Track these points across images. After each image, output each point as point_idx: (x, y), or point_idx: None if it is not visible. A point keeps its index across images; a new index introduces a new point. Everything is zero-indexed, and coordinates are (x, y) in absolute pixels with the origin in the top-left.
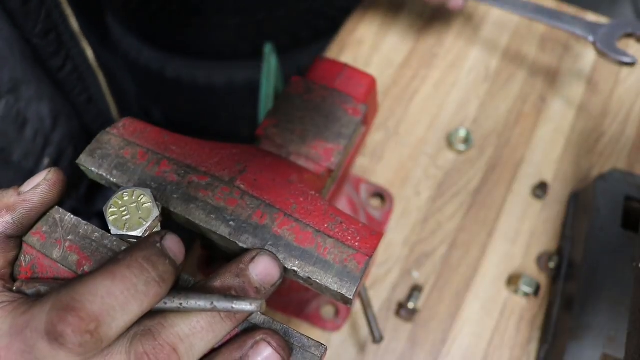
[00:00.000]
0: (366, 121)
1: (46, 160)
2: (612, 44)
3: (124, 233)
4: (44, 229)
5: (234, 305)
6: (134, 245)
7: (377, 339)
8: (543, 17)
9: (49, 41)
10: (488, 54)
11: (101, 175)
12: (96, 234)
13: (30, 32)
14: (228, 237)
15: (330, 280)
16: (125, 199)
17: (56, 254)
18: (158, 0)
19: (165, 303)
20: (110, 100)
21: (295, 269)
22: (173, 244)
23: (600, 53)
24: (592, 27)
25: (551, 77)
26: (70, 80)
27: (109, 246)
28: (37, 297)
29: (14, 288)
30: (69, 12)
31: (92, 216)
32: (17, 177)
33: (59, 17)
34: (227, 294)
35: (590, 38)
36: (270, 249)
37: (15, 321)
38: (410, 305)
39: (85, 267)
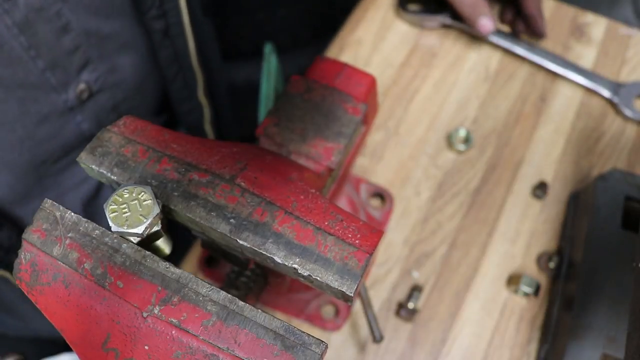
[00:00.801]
0: (366, 121)
1: (81, 86)
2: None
3: (125, 230)
4: (44, 227)
5: None
6: None
7: (377, 338)
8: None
9: None
10: (488, 54)
11: (102, 172)
12: (97, 231)
13: None
14: (228, 235)
15: (330, 277)
16: (125, 196)
17: (56, 251)
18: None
19: None
20: (191, 41)
21: (296, 266)
22: None
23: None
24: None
25: (551, 77)
26: (155, 22)
27: (109, 244)
28: None
29: None
30: None
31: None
32: (35, 85)
33: None
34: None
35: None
36: (270, 247)
37: None
38: (410, 305)
39: (85, 264)
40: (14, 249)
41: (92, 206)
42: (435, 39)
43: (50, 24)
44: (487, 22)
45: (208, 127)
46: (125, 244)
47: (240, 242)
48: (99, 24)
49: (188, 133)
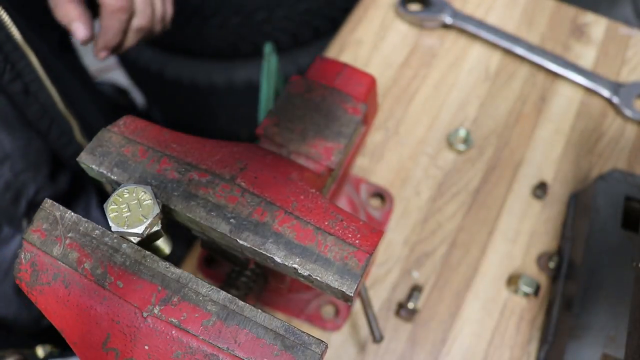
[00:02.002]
0: (366, 121)
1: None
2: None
3: (125, 230)
4: (44, 227)
5: None
6: None
7: (377, 338)
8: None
9: None
10: (488, 54)
11: (102, 172)
12: (97, 231)
13: None
14: (228, 235)
15: (331, 277)
16: (125, 196)
17: (56, 251)
18: None
19: None
20: (54, 92)
21: (296, 266)
22: None
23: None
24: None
25: (551, 77)
26: (13, 89)
27: (109, 243)
28: None
29: None
30: None
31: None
32: None
33: None
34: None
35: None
36: (270, 247)
37: None
38: (410, 305)
39: (85, 264)
40: None
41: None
42: (435, 39)
43: None
44: (78, 27)
45: None
46: (125, 244)
47: (240, 242)
48: None
49: (73, 177)
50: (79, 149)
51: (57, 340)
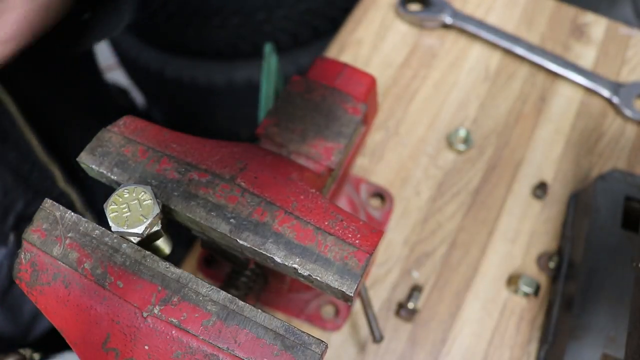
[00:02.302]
0: (366, 121)
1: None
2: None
3: (125, 230)
4: (44, 227)
5: None
6: None
7: (377, 338)
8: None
9: None
10: (488, 54)
11: (102, 172)
12: (97, 231)
13: None
14: (228, 235)
15: (331, 277)
16: (125, 196)
17: (56, 251)
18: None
19: None
20: (33, 140)
21: (296, 266)
22: None
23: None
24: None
25: (551, 77)
26: None
27: (109, 243)
28: None
29: None
30: None
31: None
32: None
33: None
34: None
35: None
36: (270, 247)
37: None
38: (410, 305)
39: (85, 264)
40: None
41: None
42: (435, 39)
43: None
44: None
45: (84, 212)
46: (125, 244)
47: (240, 242)
48: None
49: None
50: (63, 196)
51: (48, 349)
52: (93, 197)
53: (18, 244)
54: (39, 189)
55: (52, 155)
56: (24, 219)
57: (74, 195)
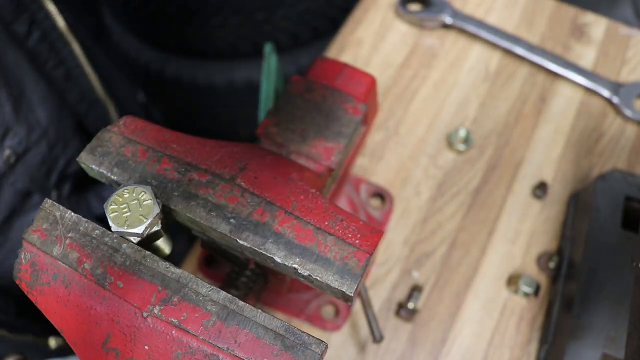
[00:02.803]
0: (366, 121)
1: (6, 152)
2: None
3: (125, 230)
4: (44, 227)
5: None
6: None
7: (377, 338)
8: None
9: (7, 1)
10: (488, 54)
11: (102, 172)
12: (97, 231)
13: None
14: (228, 235)
15: (331, 277)
16: (125, 196)
17: (56, 251)
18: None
19: None
20: (93, 78)
21: (296, 266)
22: None
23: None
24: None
25: (551, 77)
26: (41, 51)
27: (109, 243)
28: None
29: None
30: None
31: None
32: None
33: None
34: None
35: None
36: (270, 247)
37: None
38: (410, 305)
39: (85, 264)
40: None
41: None
42: (435, 39)
43: None
44: None
45: None
46: (125, 244)
47: (240, 242)
48: (9, 91)
49: None
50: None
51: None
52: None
53: (60, 201)
54: (93, 128)
55: (109, 93)
56: (65, 177)
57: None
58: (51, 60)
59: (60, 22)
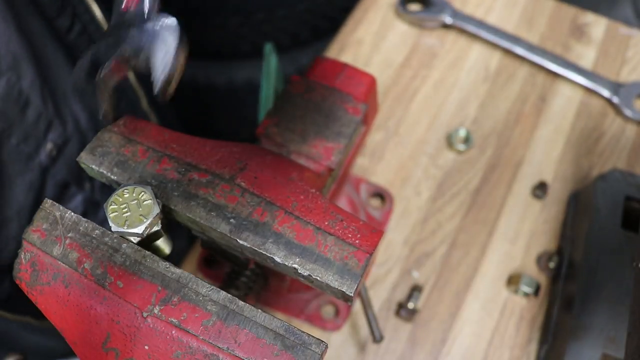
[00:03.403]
0: (366, 121)
1: (49, 146)
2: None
3: (125, 230)
4: (44, 227)
5: None
6: None
7: (377, 338)
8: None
9: None
10: (488, 54)
11: (102, 172)
12: (97, 231)
13: None
14: (228, 235)
15: (331, 277)
16: (125, 196)
17: (56, 251)
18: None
19: None
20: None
21: (296, 266)
22: None
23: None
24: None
25: (551, 77)
26: (80, 43)
27: (109, 243)
28: None
29: None
30: None
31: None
32: (12, 160)
33: None
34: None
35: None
36: (270, 247)
37: None
38: (410, 305)
39: (85, 264)
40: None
41: None
42: (435, 39)
43: (16, 104)
44: None
45: None
46: (125, 244)
47: (240, 242)
48: (47, 88)
49: None
50: (144, 117)
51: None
52: (166, 117)
53: (92, 191)
54: (125, 113)
55: (140, 82)
56: None
57: (152, 116)
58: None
59: (98, 14)
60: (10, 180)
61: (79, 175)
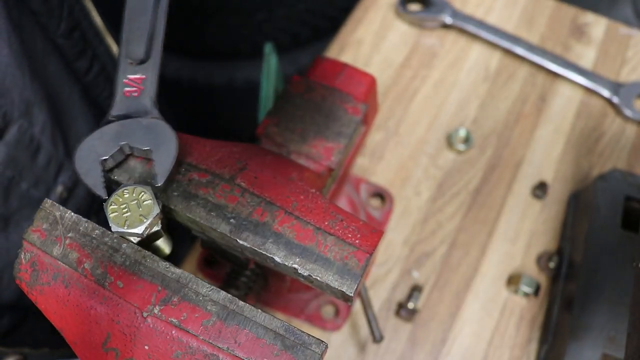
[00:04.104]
0: (366, 121)
1: (59, 189)
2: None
3: (125, 230)
4: (44, 227)
5: None
6: None
7: (377, 338)
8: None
9: (74, 40)
10: (488, 54)
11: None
12: (97, 231)
13: (54, 32)
14: (228, 235)
15: (331, 277)
16: (125, 196)
17: (56, 251)
18: None
19: None
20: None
21: (296, 266)
22: None
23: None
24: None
25: (551, 77)
26: (98, 83)
27: (109, 243)
28: None
29: None
30: (90, 6)
31: None
32: (23, 205)
33: (81, 12)
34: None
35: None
36: (270, 247)
37: None
38: (410, 305)
39: (85, 264)
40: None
41: None
42: (435, 39)
43: (27, 150)
44: None
45: None
46: (125, 244)
47: (240, 242)
48: (59, 131)
49: None
50: None
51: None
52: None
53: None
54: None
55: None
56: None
57: None
58: (106, 90)
59: (116, 51)
60: (19, 225)
61: (88, 213)
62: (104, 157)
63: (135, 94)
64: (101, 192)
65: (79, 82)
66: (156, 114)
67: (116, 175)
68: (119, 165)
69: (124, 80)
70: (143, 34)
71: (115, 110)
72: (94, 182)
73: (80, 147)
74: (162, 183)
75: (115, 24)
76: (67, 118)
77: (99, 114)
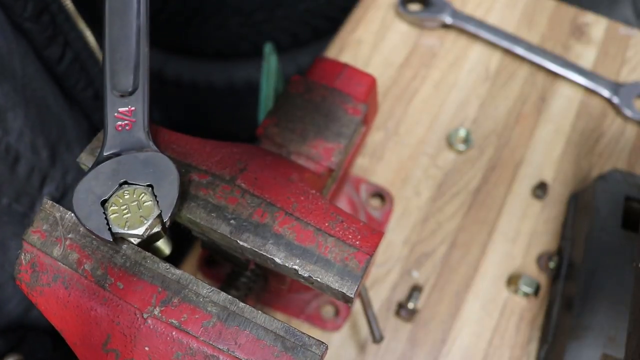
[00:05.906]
0: (366, 121)
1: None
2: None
3: (125, 231)
4: (44, 227)
5: None
6: None
7: (377, 338)
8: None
9: (43, 24)
10: (488, 54)
11: None
12: None
13: (20, 15)
14: (229, 236)
15: (331, 279)
16: (126, 197)
17: (56, 252)
18: (158, 1)
19: None
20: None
21: (296, 267)
22: None
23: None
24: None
25: (551, 77)
26: (71, 73)
27: (109, 245)
28: None
29: None
30: None
31: None
32: (5, 222)
33: None
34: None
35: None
36: (271, 248)
37: None
38: (410, 305)
39: (85, 265)
40: None
41: None
42: (435, 39)
43: (4, 161)
44: None
45: None
46: (125, 245)
47: (241, 243)
48: (41, 136)
49: None
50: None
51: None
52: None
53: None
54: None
55: None
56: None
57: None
58: (82, 81)
59: (91, 40)
60: (4, 245)
61: None
62: (104, 198)
63: (128, 128)
64: (106, 235)
65: (51, 72)
66: (152, 146)
67: None
68: None
69: (114, 114)
70: (128, 64)
71: (108, 147)
72: (97, 225)
73: (77, 190)
74: (167, 219)
75: (87, 9)
76: (48, 119)
77: (79, 109)
